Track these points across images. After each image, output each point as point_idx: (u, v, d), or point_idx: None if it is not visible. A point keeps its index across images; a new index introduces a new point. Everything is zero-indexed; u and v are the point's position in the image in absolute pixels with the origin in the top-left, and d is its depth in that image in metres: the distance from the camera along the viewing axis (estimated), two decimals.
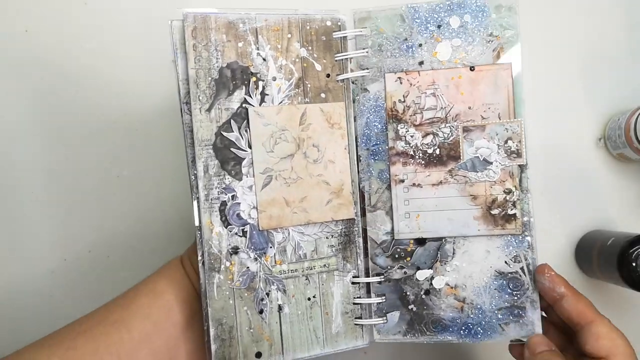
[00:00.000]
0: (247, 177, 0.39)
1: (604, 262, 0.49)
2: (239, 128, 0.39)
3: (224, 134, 0.39)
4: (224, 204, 0.38)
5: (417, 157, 0.41)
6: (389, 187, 0.41)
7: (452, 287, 0.41)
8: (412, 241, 0.41)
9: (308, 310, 0.40)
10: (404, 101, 0.41)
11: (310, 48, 0.40)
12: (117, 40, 0.55)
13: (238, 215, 0.39)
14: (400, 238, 0.41)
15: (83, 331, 0.38)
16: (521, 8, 0.56)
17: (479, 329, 0.40)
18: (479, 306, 0.40)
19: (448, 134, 0.41)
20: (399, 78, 0.41)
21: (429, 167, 0.41)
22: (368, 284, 0.41)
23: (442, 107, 0.41)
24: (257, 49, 0.39)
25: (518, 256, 0.40)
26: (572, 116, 0.57)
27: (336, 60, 0.41)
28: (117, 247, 0.54)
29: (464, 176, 0.40)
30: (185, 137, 0.39)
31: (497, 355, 0.54)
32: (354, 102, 0.42)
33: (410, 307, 0.41)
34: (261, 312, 0.39)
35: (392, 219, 0.41)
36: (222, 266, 0.38)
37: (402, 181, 0.41)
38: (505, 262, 0.40)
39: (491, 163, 0.40)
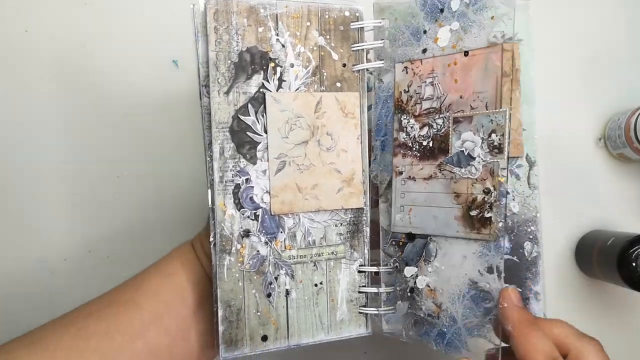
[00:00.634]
0: (262, 161, 0.39)
1: (604, 262, 0.50)
2: (256, 112, 0.39)
3: (241, 117, 0.39)
4: (237, 187, 0.39)
5: (414, 149, 0.41)
6: None
7: (431, 290, 0.40)
8: (403, 235, 0.41)
9: (314, 296, 0.40)
10: (408, 91, 0.41)
11: (328, 37, 0.41)
12: (117, 40, 0.55)
13: (251, 198, 0.39)
14: (395, 231, 0.42)
15: (94, 312, 0.38)
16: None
17: (451, 339, 0.39)
18: (452, 315, 0.38)
19: (440, 125, 0.40)
20: (405, 68, 0.41)
21: (423, 160, 0.40)
22: (371, 273, 0.42)
23: (437, 97, 0.40)
24: (277, 34, 0.39)
25: (491, 267, 0.37)
26: (572, 116, 0.57)
27: (353, 51, 0.41)
28: (117, 247, 0.54)
29: (450, 171, 0.39)
30: (202, 120, 0.39)
31: None
32: (369, 91, 0.42)
33: (398, 302, 0.41)
34: (269, 295, 0.39)
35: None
36: (233, 248, 0.39)
37: (401, 173, 0.41)
38: (479, 271, 0.38)
39: (474, 158, 0.38)
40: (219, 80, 0.38)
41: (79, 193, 0.54)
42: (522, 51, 0.39)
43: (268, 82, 0.39)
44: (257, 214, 0.39)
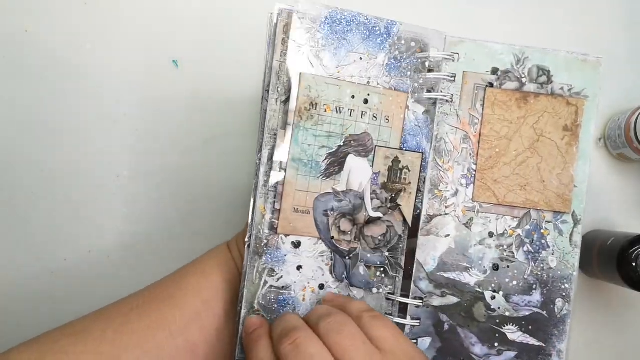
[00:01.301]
0: None
1: (604, 262, 0.50)
2: None
3: None
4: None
5: None
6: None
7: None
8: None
9: None
10: None
11: None
12: (117, 40, 0.54)
13: None
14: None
15: (136, 307, 0.38)
16: (520, 8, 0.58)
17: None
18: None
19: None
20: None
21: None
22: (401, 303, 0.42)
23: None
24: None
25: None
26: None
27: None
28: (117, 247, 0.54)
29: None
30: (260, 123, 0.39)
31: None
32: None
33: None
34: None
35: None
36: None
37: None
38: None
39: None
40: (279, 89, 0.39)
41: (79, 193, 0.53)
42: (587, 108, 0.41)
43: None
44: None
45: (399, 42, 0.41)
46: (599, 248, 0.51)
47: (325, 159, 0.39)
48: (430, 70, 0.41)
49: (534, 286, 0.41)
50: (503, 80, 0.42)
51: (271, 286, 0.39)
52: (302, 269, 0.39)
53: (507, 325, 0.41)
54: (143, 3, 0.55)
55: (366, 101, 0.40)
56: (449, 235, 0.42)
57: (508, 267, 0.42)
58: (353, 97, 0.40)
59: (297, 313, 0.39)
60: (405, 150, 0.41)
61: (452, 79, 0.42)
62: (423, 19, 0.43)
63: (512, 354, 0.41)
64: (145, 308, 0.38)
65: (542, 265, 0.41)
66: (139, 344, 0.36)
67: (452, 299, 0.42)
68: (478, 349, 0.41)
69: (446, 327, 0.42)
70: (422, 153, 0.41)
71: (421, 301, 0.42)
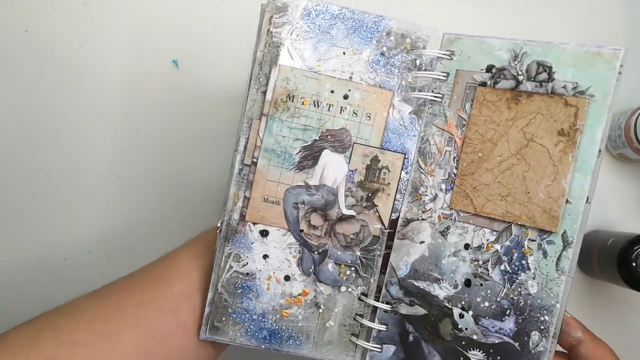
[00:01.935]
0: None
1: (604, 262, 0.49)
2: None
3: None
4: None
5: None
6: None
7: None
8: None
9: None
10: None
11: None
12: (117, 40, 0.55)
13: None
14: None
15: (129, 286, 0.40)
16: (520, 6, 0.57)
17: None
18: None
19: None
20: None
21: None
22: (375, 306, 0.41)
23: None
24: None
25: None
26: None
27: None
28: (117, 247, 0.55)
29: None
30: (242, 111, 0.40)
31: None
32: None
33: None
34: None
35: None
36: None
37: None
38: None
39: None
40: (260, 79, 0.39)
41: (79, 193, 0.54)
42: (593, 110, 0.35)
43: None
44: None
45: (387, 38, 0.39)
46: (599, 248, 0.51)
47: (299, 152, 0.39)
48: (420, 68, 0.40)
49: (508, 312, 0.37)
50: (498, 79, 0.38)
51: (236, 271, 0.40)
52: (268, 258, 0.40)
53: (472, 349, 0.38)
54: (143, 3, 0.55)
55: (346, 96, 0.39)
56: (423, 242, 0.40)
57: (481, 285, 0.38)
58: (332, 91, 0.39)
59: None
60: (386, 149, 0.40)
61: (445, 78, 0.40)
62: (424, 15, 0.42)
63: None
64: (138, 288, 0.40)
65: (519, 289, 0.36)
66: (131, 321, 0.38)
67: (419, 310, 0.40)
68: None
69: (411, 338, 0.40)
70: (404, 154, 0.40)
71: (390, 306, 0.40)
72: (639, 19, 0.57)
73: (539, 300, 0.36)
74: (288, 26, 0.39)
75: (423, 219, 0.40)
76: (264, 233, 0.40)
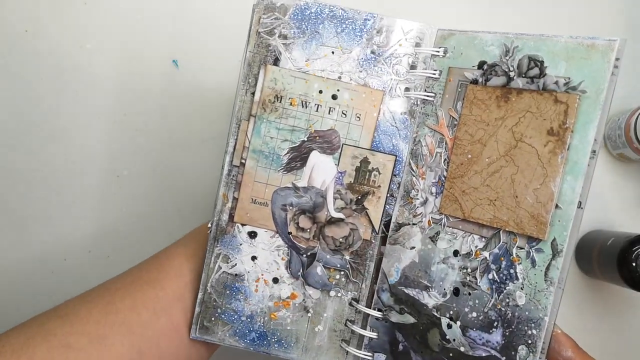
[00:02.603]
0: None
1: (604, 262, 0.49)
2: None
3: None
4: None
5: None
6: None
7: None
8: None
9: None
10: None
11: None
12: (117, 40, 0.55)
13: None
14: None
15: (121, 287, 0.40)
16: (522, 6, 0.56)
17: None
18: None
19: None
20: None
21: None
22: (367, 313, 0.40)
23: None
24: None
25: None
26: None
27: None
28: (117, 247, 0.55)
29: None
30: (232, 112, 0.40)
31: None
32: None
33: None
34: None
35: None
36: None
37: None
38: None
39: None
40: (249, 80, 0.39)
41: (79, 193, 0.55)
42: (585, 107, 0.33)
43: None
44: None
45: (378, 36, 0.38)
46: (599, 248, 0.51)
47: (287, 153, 0.39)
48: (413, 67, 0.38)
49: (496, 324, 0.35)
50: (489, 75, 0.36)
51: (225, 272, 0.40)
52: (256, 260, 0.40)
53: None
54: (143, 3, 0.55)
55: (334, 97, 0.38)
56: (414, 247, 0.39)
57: (469, 294, 0.36)
58: (321, 91, 0.38)
59: None
60: (377, 151, 0.39)
61: (438, 76, 0.38)
62: (418, 13, 0.41)
63: None
64: (129, 289, 0.40)
65: (507, 300, 0.34)
66: (124, 323, 0.38)
67: (409, 318, 0.38)
68: None
69: (401, 347, 0.39)
70: (395, 156, 0.39)
71: (381, 313, 0.39)
72: (638, 18, 0.56)
73: (526, 313, 0.34)
74: (276, 26, 0.38)
75: (414, 224, 0.39)
76: (253, 234, 0.40)
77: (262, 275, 0.40)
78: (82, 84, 0.55)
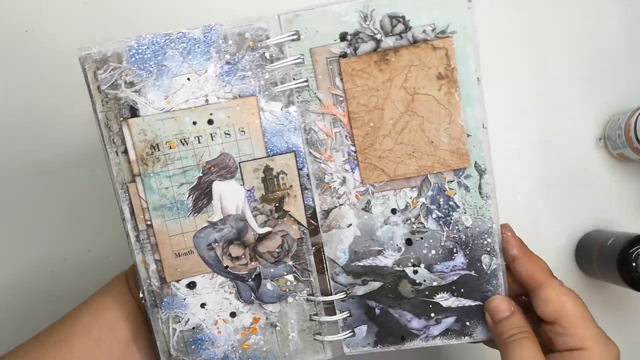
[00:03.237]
0: None
1: (604, 262, 0.49)
2: None
3: None
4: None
5: None
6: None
7: None
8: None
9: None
10: None
11: None
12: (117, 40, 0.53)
13: None
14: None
15: (27, 353, 0.38)
16: (519, 7, 0.56)
17: None
18: None
19: None
20: None
21: None
22: (327, 302, 0.40)
23: None
24: None
25: None
26: (572, 116, 0.56)
27: None
28: (117, 247, 0.54)
29: None
30: (111, 179, 0.37)
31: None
32: None
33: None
34: None
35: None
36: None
37: None
38: None
39: None
40: (114, 141, 0.36)
41: (79, 193, 0.54)
42: (458, 45, 0.35)
43: None
44: None
45: (226, 43, 0.36)
46: (599, 248, 0.51)
47: (189, 196, 0.37)
48: (273, 60, 0.37)
49: (455, 250, 0.38)
50: (356, 45, 0.36)
51: (181, 331, 0.39)
52: (206, 306, 0.39)
53: (438, 294, 0.39)
54: (143, 3, 0.54)
55: (210, 122, 0.36)
56: (351, 224, 0.39)
57: (422, 238, 0.39)
58: (195, 123, 0.36)
59: None
60: (274, 155, 0.38)
61: (300, 60, 0.37)
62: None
63: (452, 319, 0.40)
64: (37, 355, 0.38)
65: (457, 227, 0.38)
66: None
67: (374, 285, 0.40)
68: (415, 323, 0.40)
69: (377, 311, 0.40)
70: (294, 151, 0.38)
71: (344, 294, 0.40)
72: (638, 18, 0.56)
73: (477, 229, 0.38)
74: (118, 76, 0.35)
75: (341, 204, 0.39)
76: (192, 285, 0.38)
77: (219, 316, 0.39)
78: (81, 84, 0.53)
